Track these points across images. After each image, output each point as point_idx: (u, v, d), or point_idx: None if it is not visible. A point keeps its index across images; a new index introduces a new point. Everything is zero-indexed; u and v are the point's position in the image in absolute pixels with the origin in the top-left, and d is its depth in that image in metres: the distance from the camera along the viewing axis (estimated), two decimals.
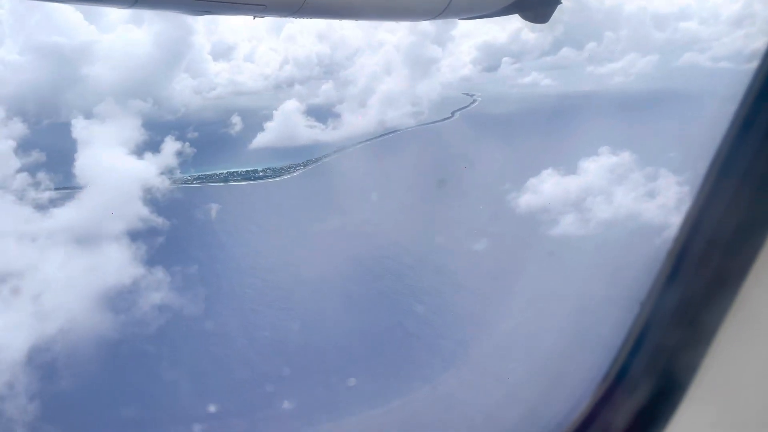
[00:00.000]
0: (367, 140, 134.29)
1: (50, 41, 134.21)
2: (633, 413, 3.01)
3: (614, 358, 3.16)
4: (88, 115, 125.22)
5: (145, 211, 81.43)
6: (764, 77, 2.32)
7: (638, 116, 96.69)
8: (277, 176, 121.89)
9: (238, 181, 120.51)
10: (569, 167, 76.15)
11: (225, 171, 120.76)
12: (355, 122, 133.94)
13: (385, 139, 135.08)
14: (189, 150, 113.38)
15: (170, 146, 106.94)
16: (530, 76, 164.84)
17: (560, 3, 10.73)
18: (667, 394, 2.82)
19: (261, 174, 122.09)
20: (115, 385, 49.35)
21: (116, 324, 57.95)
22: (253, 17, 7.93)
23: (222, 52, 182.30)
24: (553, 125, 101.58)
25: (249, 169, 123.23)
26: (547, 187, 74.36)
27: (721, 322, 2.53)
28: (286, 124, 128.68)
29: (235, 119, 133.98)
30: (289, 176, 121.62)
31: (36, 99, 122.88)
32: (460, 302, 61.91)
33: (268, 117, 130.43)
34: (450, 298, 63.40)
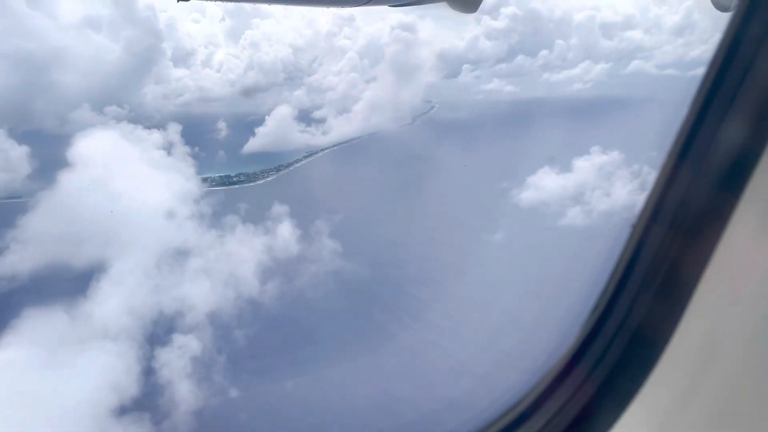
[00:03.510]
0: (335, 146, 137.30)
1: (21, 47, 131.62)
2: (598, 384, 3.09)
3: (580, 330, 3.21)
4: (64, 122, 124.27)
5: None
6: (712, 80, 2.58)
7: (608, 120, 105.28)
8: (251, 181, 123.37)
9: (213, 186, 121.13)
10: (561, 167, 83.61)
11: (199, 176, 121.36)
12: (338, 127, 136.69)
13: (354, 144, 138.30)
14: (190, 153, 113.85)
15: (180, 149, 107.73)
16: (492, 82, 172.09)
17: None
18: (635, 365, 2.91)
19: (235, 179, 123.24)
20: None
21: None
22: (176, 0, 7.66)
23: (181, 58, 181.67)
24: (530, 130, 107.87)
25: (222, 174, 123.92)
26: (544, 184, 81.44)
27: (690, 298, 2.63)
28: (274, 129, 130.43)
29: (219, 125, 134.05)
30: (263, 181, 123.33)
31: (9, 105, 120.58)
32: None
33: (247, 122, 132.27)
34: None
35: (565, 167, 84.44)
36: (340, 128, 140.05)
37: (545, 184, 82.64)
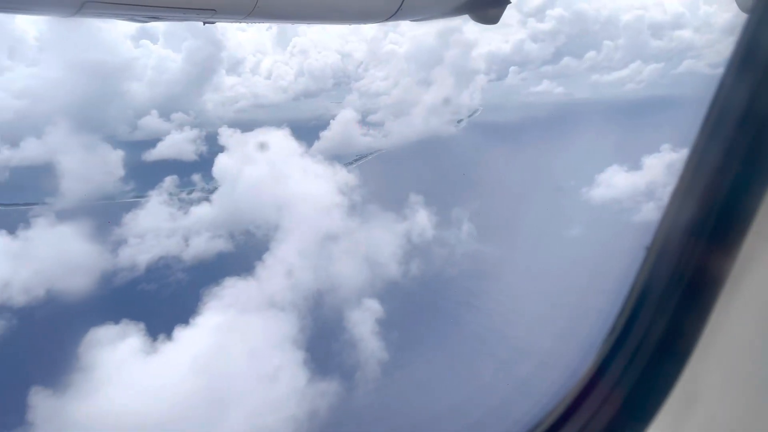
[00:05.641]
0: (390, 148, 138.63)
1: (94, 59, 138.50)
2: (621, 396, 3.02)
3: (599, 349, 3.15)
4: (133, 128, 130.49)
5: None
6: (732, 75, 2.51)
7: (670, 119, 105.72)
8: None
9: None
10: (630, 165, 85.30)
11: None
12: (396, 130, 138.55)
13: (413, 145, 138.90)
14: None
15: None
16: (542, 84, 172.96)
17: (509, 2, 10.53)
18: (655, 382, 2.85)
19: None
20: None
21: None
22: (203, 23, 7.54)
23: (232, 66, 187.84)
24: (592, 129, 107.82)
25: None
26: (615, 181, 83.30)
27: (710, 312, 2.57)
28: (338, 133, 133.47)
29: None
30: None
31: (84, 113, 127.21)
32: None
33: (310, 127, 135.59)
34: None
35: (634, 165, 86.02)
36: (398, 131, 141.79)
37: (615, 181, 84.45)
